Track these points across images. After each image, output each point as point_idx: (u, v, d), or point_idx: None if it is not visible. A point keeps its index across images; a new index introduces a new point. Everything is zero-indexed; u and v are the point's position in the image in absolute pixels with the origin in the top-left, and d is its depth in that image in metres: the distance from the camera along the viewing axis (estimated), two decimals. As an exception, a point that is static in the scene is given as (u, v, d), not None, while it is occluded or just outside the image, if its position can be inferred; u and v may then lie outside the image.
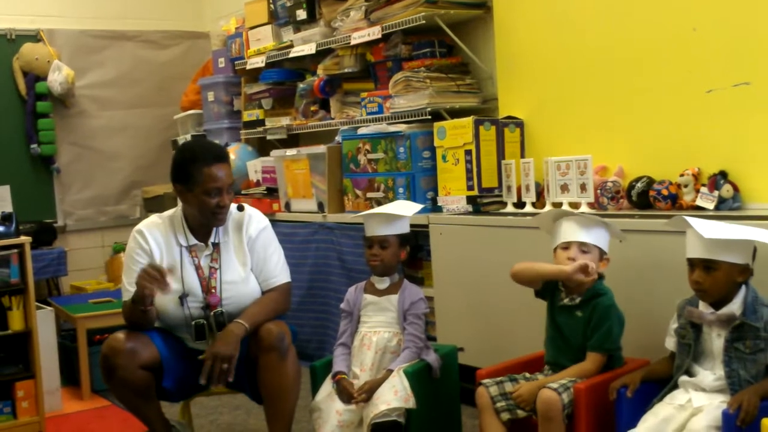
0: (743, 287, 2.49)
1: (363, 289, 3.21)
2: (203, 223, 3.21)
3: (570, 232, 2.87)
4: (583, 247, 2.85)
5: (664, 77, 3.38)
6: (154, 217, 3.31)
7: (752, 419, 2.28)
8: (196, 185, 3.13)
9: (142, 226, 3.27)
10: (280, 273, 3.29)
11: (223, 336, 3.05)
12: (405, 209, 3.26)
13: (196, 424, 3.61)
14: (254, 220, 3.30)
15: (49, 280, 5.74)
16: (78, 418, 4.22)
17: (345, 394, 2.99)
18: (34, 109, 5.89)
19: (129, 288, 3.12)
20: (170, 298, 3.14)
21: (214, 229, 3.24)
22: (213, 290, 3.18)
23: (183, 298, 3.16)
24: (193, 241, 3.23)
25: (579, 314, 2.84)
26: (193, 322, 3.16)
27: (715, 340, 2.51)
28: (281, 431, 3.10)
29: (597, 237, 2.87)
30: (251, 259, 3.25)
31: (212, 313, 3.16)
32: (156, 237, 3.22)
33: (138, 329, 3.14)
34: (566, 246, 2.86)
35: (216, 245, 3.24)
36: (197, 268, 3.21)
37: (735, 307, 2.48)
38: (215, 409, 4.15)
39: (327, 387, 3.08)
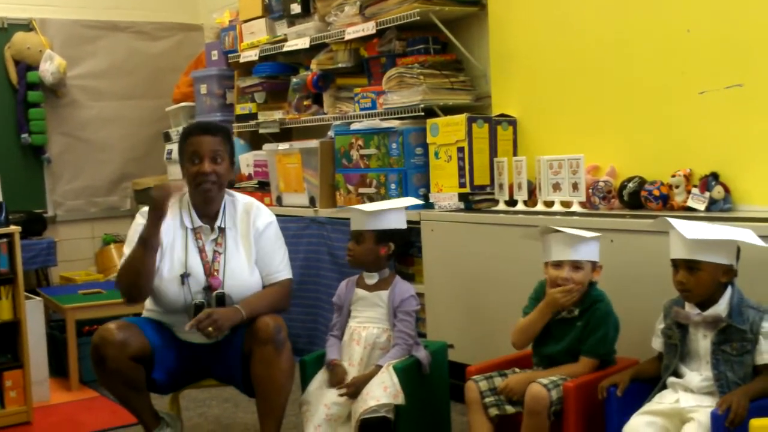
0: (729, 289, 2.51)
1: (355, 283, 3.22)
2: (201, 202, 3.23)
3: (561, 250, 2.81)
4: (576, 264, 2.81)
5: (658, 78, 3.39)
6: None
7: (741, 420, 2.29)
8: (184, 156, 3.21)
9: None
10: (283, 269, 3.30)
11: (224, 309, 3.08)
12: (376, 206, 3.25)
13: (185, 417, 3.61)
14: (262, 213, 3.33)
15: (39, 271, 5.72)
16: (66, 409, 4.22)
17: (337, 378, 3.00)
18: (25, 98, 5.86)
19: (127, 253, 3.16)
20: (172, 277, 3.16)
21: (221, 213, 3.25)
22: (215, 273, 3.19)
23: (185, 277, 3.16)
24: (198, 223, 3.24)
25: (579, 324, 2.83)
26: (193, 302, 3.15)
27: (701, 341, 2.53)
28: (272, 425, 3.10)
29: (588, 251, 2.82)
30: (256, 252, 3.26)
31: (214, 295, 3.16)
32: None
33: (134, 292, 3.13)
34: (558, 264, 2.83)
35: (222, 230, 3.25)
36: (200, 250, 3.21)
37: (721, 308, 2.49)
38: (204, 401, 4.15)
39: (317, 380, 3.09)
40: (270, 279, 3.27)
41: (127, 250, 3.20)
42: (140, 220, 3.23)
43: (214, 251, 3.22)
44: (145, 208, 3.24)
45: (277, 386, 3.07)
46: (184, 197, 3.29)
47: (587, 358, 2.80)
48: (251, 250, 3.25)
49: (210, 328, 3.01)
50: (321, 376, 3.09)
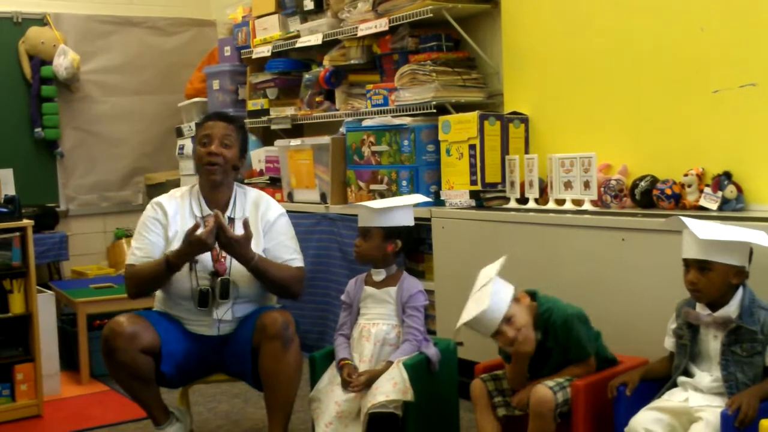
0: (740, 289, 2.49)
1: (363, 281, 3.22)
2: (207, 187, 3.28)
3: (486, 324, 2.68)
4: (507, 317, 2.67)
5: (671, 76, 3.38)
6: (172, 191, 3.40)
7: (751, 421, 2.29)
8: (196, 140, 3.30)
9: (160, 198, 3.36)
10: (296, 258, 3.33)
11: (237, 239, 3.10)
12: (383, 203, 3.24)
13: (194, 412, 3.61)
14: (272, 206, 3.38)
15: (51, 265, 5.75)
16: (76, 403, 4.23)
17: (348, 378, 3.00)
18: (39, 93, 5.89)
19: (138, 253, 3.23)
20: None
21: (231, 203, 3.30)
22: (222, 259, 3.21)
23: (193, 263, 3.19)
24: (208, 211, 3.26)
25: (550, 344, 2.77)
26: (198, 289, 3.18)
27: (712, 342, 2.52)
28: (280, 420, 3.10)
29: (500, 301, 2.67)
30: (268, 242, 3.28)
31: (218, 280, 3.19)
32: (174, 207, 3.30)
33: (142, 295, 3.24)
34: (496, 333, 2.69)
35: (231, 220, 3.27)
36: None
37: (731, 309, 2.48)
38: (214, 397, 4.16)
39: (327, 376, 3.09)
40: (283, 264, 3.29)
41: (135, 244, 3.26)
42: (150, 211, 3.30)
43: None
44: (157, 199, 3.34)
45: (285, 381, 3.08)
46: (194, 187, 3.34)
47: (581, 362, 2.77)
48: (259, 240, 3.27)
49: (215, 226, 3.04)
50: (330, 373, 3.09)
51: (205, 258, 3.20)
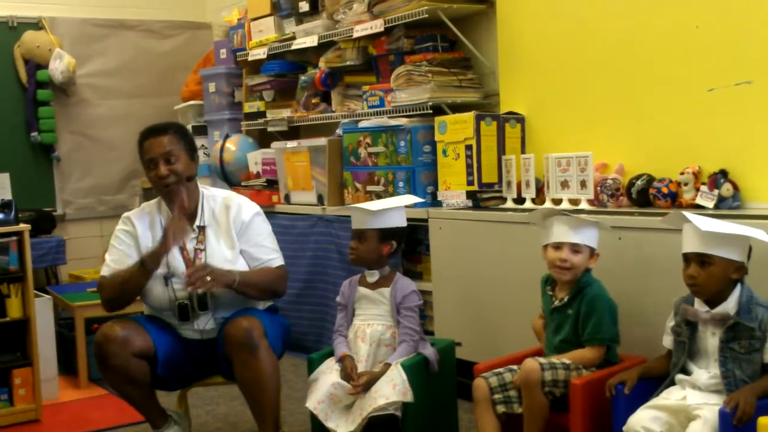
0: (738, 286, 2.50)
1: (357, 282, 3.21)
2: (169, 202, 3.22)
3: (561, 232, 2.88)
4: (575, 248, 2.86)
5: (666, 75, 3.38)
6: (142, 206, 3.38)
7: (749, 418, 2.28)
8: (143, 163, 3.24)
9: (130, 213, 3.35)
10: (276, 256, 3.29)
11: (219, 269, 3.10)
12: (378, 204, 3.24)
13: (192, 415, 3.61)
14: (245, 206, 3.31)
15: (48, 269, 5.74)
16: (74, 407, 4.23)
17: (348, 372, 2.99)
18: (35, 97, 5.88)
19: (112, 264, 3.21)
20: (156, 277, 3.16)
21: (199, 212, 3.26)
22: None
23: (168, 278, 3.16)
24: None
25: (570, 312, 2.86)
26: (177, 303, 3.16)
27: (710, 339, 2.52)
28: (267, 423, 3.07)
29: (587, 236, 2.88)
30: (244, 245, 3.25)
31: (196, 293, 3.16)
32: (144, 223, 3.27)
33: (119, 304, 3.20)
34: (558, 246, 2.88)
35: (202, 228, 3.24)
36: (182, 249, 3.21)
37: (730, 306, 2.48)
38: (212, 399, 4.16)
39: (326, 363, 3.09)
40: (263, 267, 3.26)
41: (108, 256, 3.24)
42: (122, 225, 3.29)
43: (195, 249, 3.21)
44: (128, 213, 3.33)
45: (260, 386, 3.03)
46: (161, 202, 3.30)
47: (591, 346, 2.82)
48: (233, 243, 3.24)
49: (207, 277, 3.02)
50: (330, 362, 3.09)
51: (181, 271, 3.15)
